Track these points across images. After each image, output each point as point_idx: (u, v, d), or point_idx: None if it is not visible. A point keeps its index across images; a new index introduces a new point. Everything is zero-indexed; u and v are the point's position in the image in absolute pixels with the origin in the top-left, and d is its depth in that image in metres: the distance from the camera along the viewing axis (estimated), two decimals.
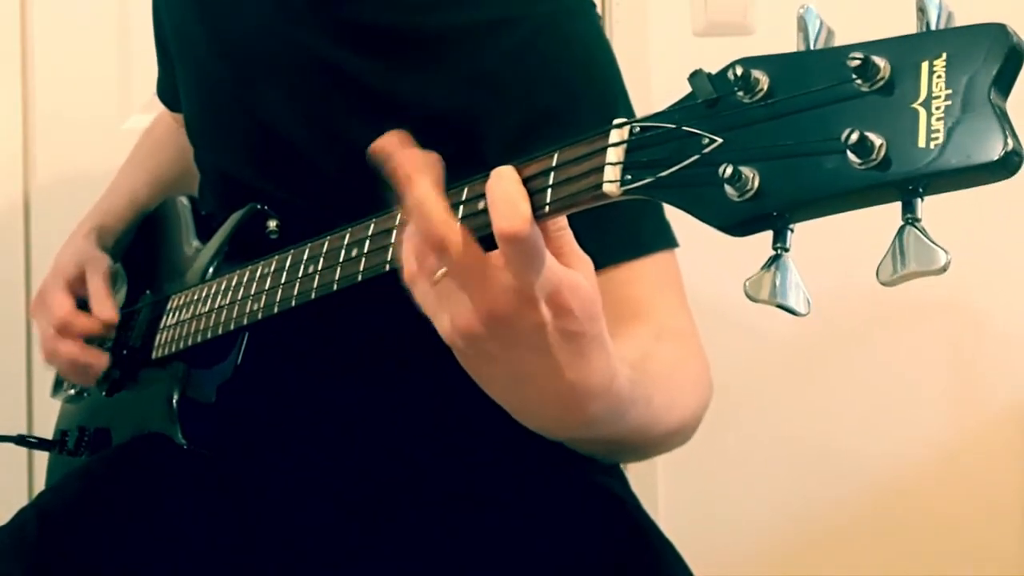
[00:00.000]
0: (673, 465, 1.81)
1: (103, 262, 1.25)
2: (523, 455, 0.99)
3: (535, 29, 1.03)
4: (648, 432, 0.87)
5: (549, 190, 0.67)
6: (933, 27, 0.52)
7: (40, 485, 1.63)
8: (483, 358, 0.71)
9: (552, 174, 0.68)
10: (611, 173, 0.64)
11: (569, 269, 0.69)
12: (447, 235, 0.65)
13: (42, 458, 1.40)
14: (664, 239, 1.04)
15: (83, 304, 1.23)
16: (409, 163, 0.68)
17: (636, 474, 1.74)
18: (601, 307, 0.72)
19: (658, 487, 1.80)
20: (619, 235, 1.02)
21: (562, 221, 0.70)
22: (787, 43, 0.58)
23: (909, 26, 0.54)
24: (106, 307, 1.20)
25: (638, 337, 0.95)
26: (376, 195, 1.01)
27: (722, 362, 1.79)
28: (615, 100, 1.05)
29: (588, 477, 1.08)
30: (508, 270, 0.66)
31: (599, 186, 0.64)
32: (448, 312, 0.69)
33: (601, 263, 1.00)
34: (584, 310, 0.69)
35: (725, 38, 1.79)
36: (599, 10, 1.49)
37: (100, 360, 1.19)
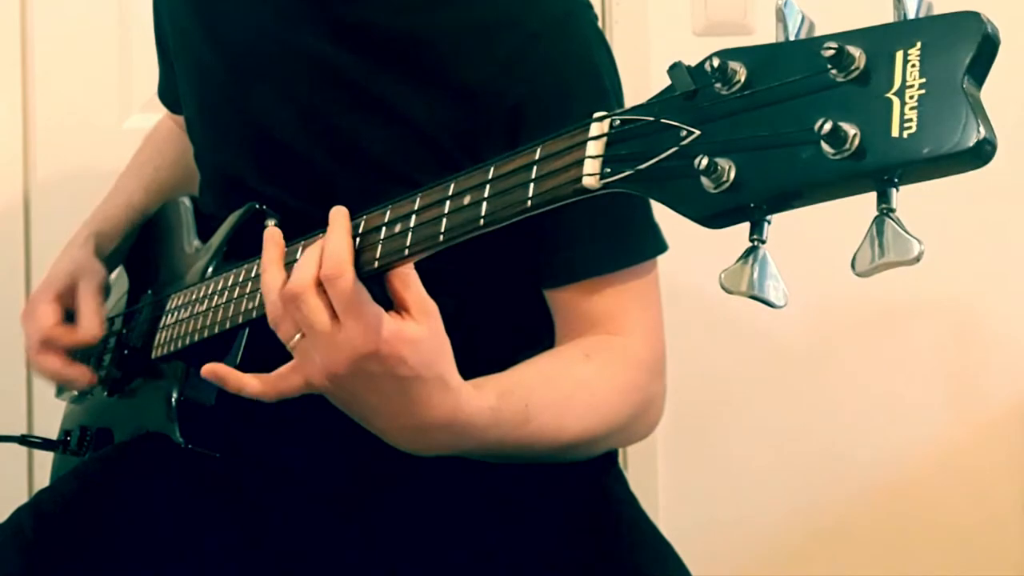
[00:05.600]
0: (673, 465, 1.81)
1: (97, 275, 1.24)
2: None
3: (534, 33, 1.02)
4: (530, 449, 0.93)
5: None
6: (911, 17, 0.52)
7: (40, 484, 1.63)
8: (335, 400, 0.83)
9: (535, 168, 0.68)
10: (591, 166, 0.64)
11: (406, 323, 0.79)
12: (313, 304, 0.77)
13: (42, 457, 1.40)
14: (647, 248, 1.04)
15: (73, 316, 1.22)
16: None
17: (636, 474, 1.75)
18: (443, 351, 0.81)
19: (658, 487, 1.80)
20: (604, 245, 1.02)
21: (410, 267, 0.79)
22: None
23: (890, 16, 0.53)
24: (92, 324, 1.19)
25: (558, 357, 0.98)
26: (370, 194, 1.01)
27: (723, 362, 1.81)
28: (611, 106, 1.04)
29: (585, 477, 1.07)
30: (345, 328, 0.77)
31: (579, 179, 0.64)
32: (300, 370, 0.81)
33: (581, 275, 1.01)
34: (419, 359, 0.79)
35: (725, 38, 1.79)
36: (599, 10, 1.49)
37: (82, 376, 1.19)
